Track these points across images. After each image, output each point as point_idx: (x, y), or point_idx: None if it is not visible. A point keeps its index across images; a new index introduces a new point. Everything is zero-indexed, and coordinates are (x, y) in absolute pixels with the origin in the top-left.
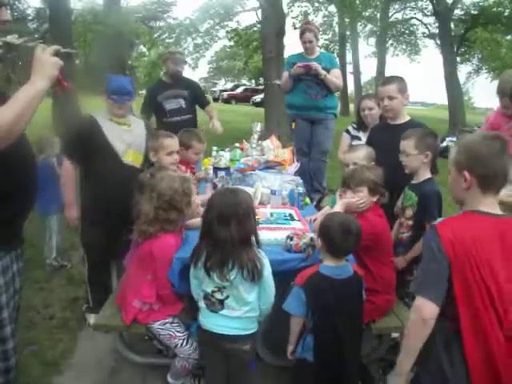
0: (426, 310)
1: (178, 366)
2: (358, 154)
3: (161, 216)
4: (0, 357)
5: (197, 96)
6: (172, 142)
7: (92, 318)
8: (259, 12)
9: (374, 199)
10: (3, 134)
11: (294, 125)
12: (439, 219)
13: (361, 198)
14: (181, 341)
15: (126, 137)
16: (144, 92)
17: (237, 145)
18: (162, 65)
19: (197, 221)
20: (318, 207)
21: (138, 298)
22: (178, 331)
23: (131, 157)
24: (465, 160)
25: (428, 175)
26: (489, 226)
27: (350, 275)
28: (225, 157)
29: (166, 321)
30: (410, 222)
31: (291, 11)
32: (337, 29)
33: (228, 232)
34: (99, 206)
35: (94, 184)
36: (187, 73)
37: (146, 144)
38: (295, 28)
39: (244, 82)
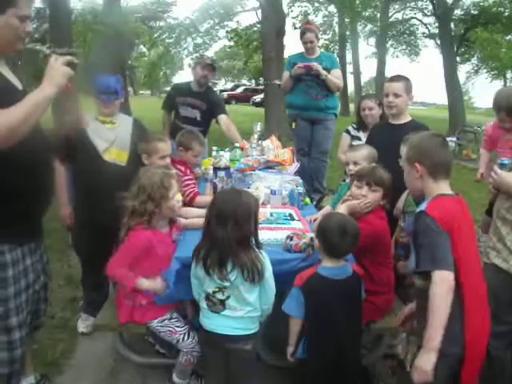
0: (449, 279)
1: (182, 361)
2: (360, 153)
3: (138, 208)
4: (4, 347)
5: (214, 108)
6: (165, 147)
7: (81, 327)
8: (259, 12)
9: (382, 203)
10: (9, 132)
11: (294, 125)
12: (421, 207)
13: (373, 198)
14: (182, 335)
15: (109, 135)
16: (144, 92)
17: (237, 145)
18: (192, 72)
19: (197, 220)
20: (318, 207)
21: (126, 294)
22: (177, 326)
23: (113, 154)
24: (415, 154)
25: None
26: (455, 204)
27: (349, 275)
28: (225, 157)
29: (164, 317)
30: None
31: (291, 11)
32: (337, 29)
33: (225, 232)
34: (85, 206)
35: (80, 184)
36: (187, 73)
37: (132, 140)
38: (295, 28)
39: (244, 81)
